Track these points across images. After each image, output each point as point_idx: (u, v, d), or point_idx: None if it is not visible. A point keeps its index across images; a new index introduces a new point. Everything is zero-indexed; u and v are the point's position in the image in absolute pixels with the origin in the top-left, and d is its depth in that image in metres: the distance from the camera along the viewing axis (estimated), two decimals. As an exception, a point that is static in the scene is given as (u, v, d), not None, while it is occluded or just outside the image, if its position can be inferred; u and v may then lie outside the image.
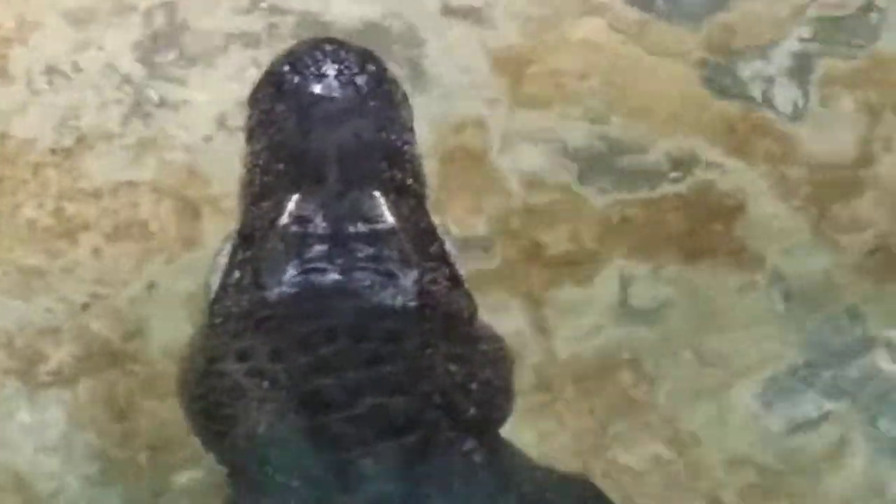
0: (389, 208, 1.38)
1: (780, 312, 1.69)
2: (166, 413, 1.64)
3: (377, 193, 1.38)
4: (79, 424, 1.65)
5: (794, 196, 1.75)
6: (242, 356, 1.36)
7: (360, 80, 1.43)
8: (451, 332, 1.35)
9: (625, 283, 1.69)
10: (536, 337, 1.66)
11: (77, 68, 1.80)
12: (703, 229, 1.73)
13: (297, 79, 1.42)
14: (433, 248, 1.40)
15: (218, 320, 1.40)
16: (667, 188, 1.75)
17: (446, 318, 1.35)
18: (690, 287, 1.70)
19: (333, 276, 1.34)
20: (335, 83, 1.42)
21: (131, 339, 1.69)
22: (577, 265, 1.69)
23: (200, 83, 1.81)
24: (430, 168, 1.49)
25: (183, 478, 1.62)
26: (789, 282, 1.70)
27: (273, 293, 1.34)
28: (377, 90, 1.44)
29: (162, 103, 1.79)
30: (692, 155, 1.77)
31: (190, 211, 1.75)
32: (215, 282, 1.41)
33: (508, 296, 1.69)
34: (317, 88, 1.42)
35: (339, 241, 1.36)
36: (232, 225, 1.43)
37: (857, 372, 1.65)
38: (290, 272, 1.35)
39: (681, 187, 1.75)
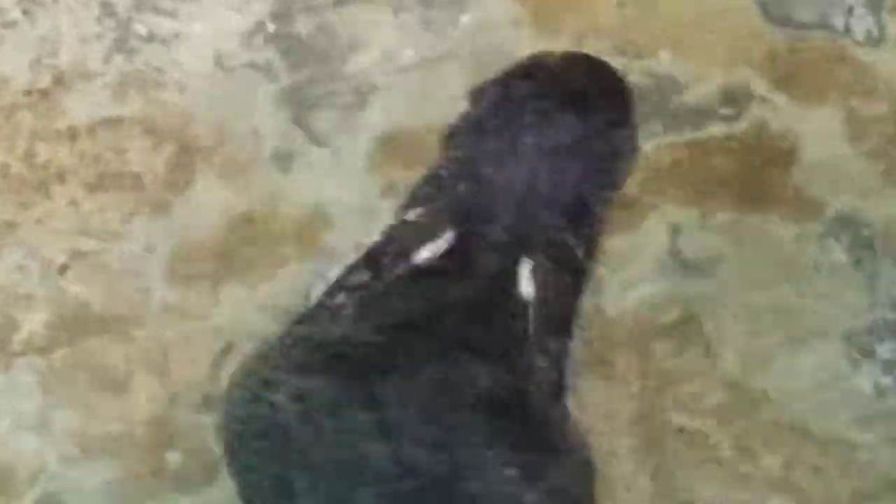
0: (535, 279, 1.20)
1: (845, 265, 1.52)
2: (156, 387, 1.50)
3: (530, 261, 1.20)
4: (57, 399, 1.50)
5: (862, 137, 1.57)
6: (298, 396, 1.18)
7: (599, 115, 1.25)
8: (522, 437, 1.17)
9: (675, 231, 1.53)
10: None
11: (55, -2, 1.64)
12: (758, 174, 1.55)
13: (528, 88, 1.25)
14: (553, 345, 1.21)
15: (289, 341, 1.24)
16: (718, 128, 1.57)
17: (522, 426, 1.17)
18: (744, 236, 1.53)
19: (430, 338, 1.16)
20: (568, 111, 1.24)
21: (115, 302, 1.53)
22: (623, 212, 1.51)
23: (195, 14, 1.62)
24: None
25: (175, 457, 1.48)
26: (854, 232, 1.53)
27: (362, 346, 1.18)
28: (609, 134, 1.25)
29: (150, 38, 1.62)
30: (746, 91, 1.58)
31: (181, 159, 1.58)
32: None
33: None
34: (547, 107, 1.24)
35: (460, 296, 1.19)
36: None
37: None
38: (388, 319, 1.19)
39: (733, 128, 1.57)
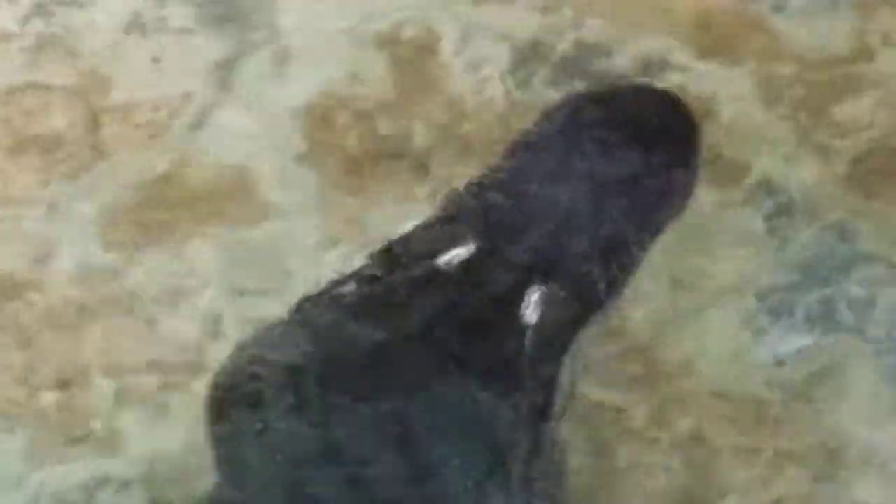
0: (541, 307, 1.16)
1: (761, 230, 1.53)
2: (74, 349, 1.49)
3: (543, 288, 1.16)
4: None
5: (779, 100, 1.59)
6: (287, 371, 1.17)
7: (661, 155, 1.19)
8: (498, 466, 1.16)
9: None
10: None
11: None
12: None
13: (597, 115, 1.20)
14: (545, 370, 1.17)
15: (287, 319, 1.21)
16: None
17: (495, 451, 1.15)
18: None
19: (421, 343, 1.14)
20: (631, 145, 1.19)
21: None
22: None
23: (110, -23, 1.63)
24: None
25: (98, 423, 1.46)
26: (772, 197, 1.54)
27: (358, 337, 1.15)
28: (667, 175, 1.20)
29: (67, 1, 1.62)
30: (661, 58, 1.61)
31: (95, 122, 1.58)
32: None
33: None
34: (610, 137, 1.19)
35: (462, 309, 1.15)
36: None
37: (848, 293, 1.50)
38: (384, 317, 1.16)
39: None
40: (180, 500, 1.42)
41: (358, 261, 1.23)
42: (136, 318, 1.50)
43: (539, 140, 1.21)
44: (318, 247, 1.53)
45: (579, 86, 1.56)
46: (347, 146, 1.58)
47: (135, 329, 1.50)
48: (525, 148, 1.22)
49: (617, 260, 1.18)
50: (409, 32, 1.64)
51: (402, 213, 1.48)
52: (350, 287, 1.21)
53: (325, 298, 1.23)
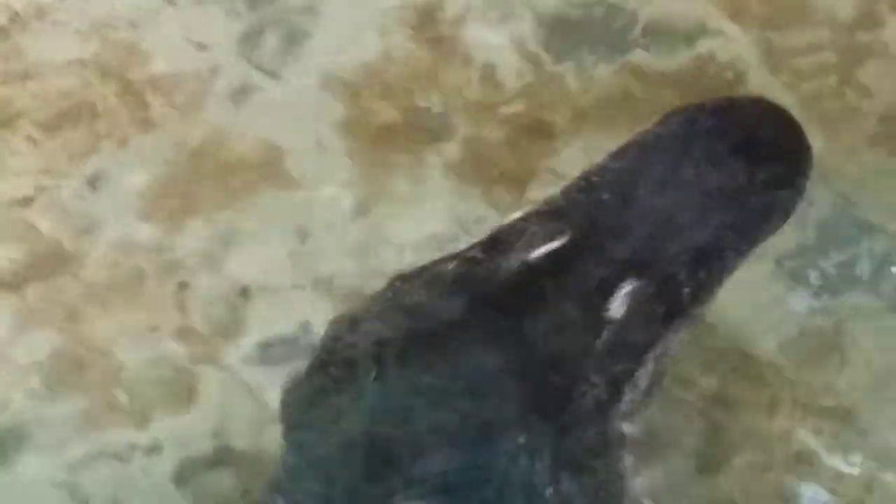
0: (629, 302, 1.19)
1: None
2: (115, 318, 1.54)
3: (635, 283, 1.18)
4: (25, 331, 1.53)
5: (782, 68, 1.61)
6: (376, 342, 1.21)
7: (769, 171, 1.20)
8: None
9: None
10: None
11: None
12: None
13: (711, 124, 1.21)
14: (617, 367, 1.20)
15: (389, 293, 1.25)
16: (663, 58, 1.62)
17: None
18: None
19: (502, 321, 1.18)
20: (741, 158, 1.20)
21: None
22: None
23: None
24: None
25: (132, 391, 1.51)
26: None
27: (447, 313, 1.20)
28: (772, 192, 1.22)
29: (103, -27, 1.66)
30: (699, 22, 1.64)
31: (133, 96, 1.62)
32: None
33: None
34: (722, 148, 1.21)
35: (545, 298, 1.19)
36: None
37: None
38: (475, 301, 1.19)
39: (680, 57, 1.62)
40: (208, 462, 1.48)
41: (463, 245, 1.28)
42: (174, 285, 1.56)
43: (652, 143, 1.23)
44: (348, 216, 1.58)
45: (611, 54, 1.61)
46: (377, 119, 1.63)
47: (172, 297, 1.56)
48: (638, 150, 1.23)
49: (707, 268, 1.21)
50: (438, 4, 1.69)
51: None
52: (452, 265, 1.26)
53: (426, 274, 1.27)
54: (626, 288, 1.18)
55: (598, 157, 1.26)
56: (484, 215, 1.54)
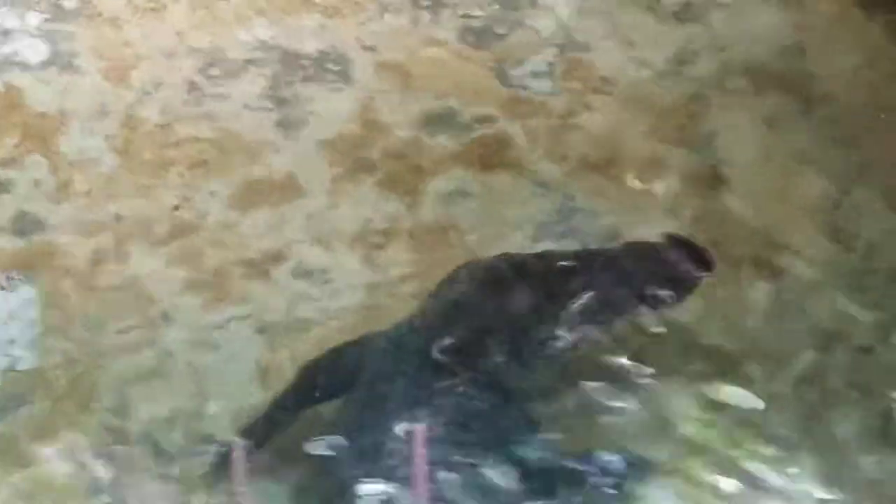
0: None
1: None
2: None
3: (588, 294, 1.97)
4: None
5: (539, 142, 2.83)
6: (448, 302, 1.98)
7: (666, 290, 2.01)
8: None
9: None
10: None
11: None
12: (495, 154, 2.82)
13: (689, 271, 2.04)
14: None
15: (465, 269, 2.11)
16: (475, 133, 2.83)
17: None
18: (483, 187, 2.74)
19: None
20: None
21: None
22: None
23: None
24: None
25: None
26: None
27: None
28: (661, 302, 2.03)
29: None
30: (488, 116, 2.86)
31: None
32: None
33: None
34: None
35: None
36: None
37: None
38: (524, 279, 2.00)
39: (483, 133, 2.83)
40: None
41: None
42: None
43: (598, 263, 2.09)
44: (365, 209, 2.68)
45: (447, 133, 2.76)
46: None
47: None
48: (594, 266, 2.09)
49: (610, 317, 2.00)
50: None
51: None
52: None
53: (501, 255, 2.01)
54: (581, 301, 1.90)
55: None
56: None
